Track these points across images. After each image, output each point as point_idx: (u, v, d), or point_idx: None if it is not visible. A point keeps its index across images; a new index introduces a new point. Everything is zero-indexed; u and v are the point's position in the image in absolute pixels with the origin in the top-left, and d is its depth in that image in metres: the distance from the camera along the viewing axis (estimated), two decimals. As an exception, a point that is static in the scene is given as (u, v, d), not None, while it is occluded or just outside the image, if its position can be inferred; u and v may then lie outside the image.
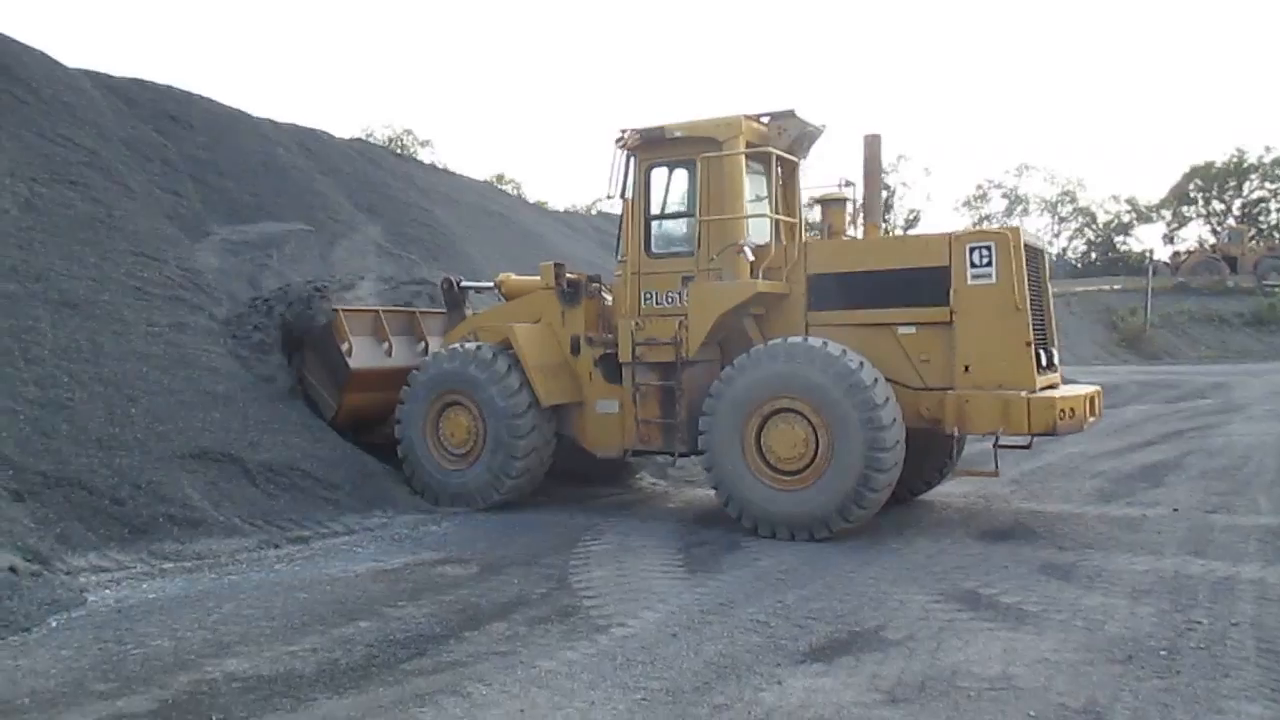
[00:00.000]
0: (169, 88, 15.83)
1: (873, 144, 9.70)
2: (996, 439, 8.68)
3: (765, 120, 9.81)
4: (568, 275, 10.51)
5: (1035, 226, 66.64)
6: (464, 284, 12.03)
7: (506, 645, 5.79)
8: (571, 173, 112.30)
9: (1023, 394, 8.33)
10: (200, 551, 7.89)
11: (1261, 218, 64.79)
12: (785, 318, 9.46)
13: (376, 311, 11.42)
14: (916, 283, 8.84)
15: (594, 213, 43.54)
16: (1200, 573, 7.22)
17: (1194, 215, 68.90)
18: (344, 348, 10.66)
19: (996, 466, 9.09)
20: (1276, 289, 44.90)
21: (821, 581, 7.21)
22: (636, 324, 9.79)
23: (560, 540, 8.85)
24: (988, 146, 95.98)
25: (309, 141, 18.29)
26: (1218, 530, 8.71)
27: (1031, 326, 8.52)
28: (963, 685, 5.04)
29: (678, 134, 9.66)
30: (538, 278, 10.88)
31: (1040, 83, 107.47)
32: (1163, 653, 5.46)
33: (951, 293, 8.65)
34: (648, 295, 9.88)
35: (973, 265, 8.59)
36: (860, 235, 10.21)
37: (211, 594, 6.89)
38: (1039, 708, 4.72)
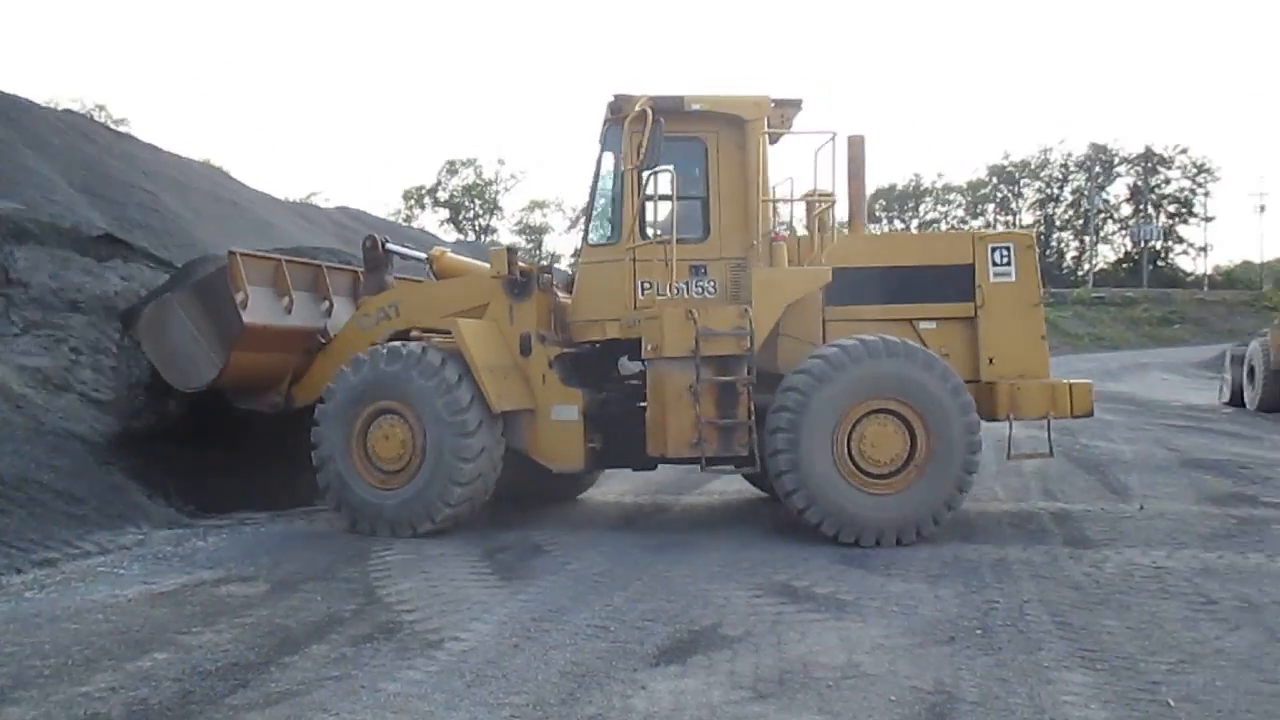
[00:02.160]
0: None
1: (856, 144, 9.58)
2: (1048, 423, 9.09)
3: (771, 105, 9.46)
4: (519, 265, 9.51)
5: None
6: (389, 246, 10.52)
7: (337, 669, 5.30)
8: (281, 161, 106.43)
9: (1064, 381, 9.17)
10: (-77, 583, 6.67)
11: (936, 236, 72.81)
12: (802, 312, 9.13)
13: (279, 261, 9.91)
14: (942, 279, 9.25)
15: (311, 202, 41.32)
16: (976, 556, 7.87)
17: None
18: (239, 298, 9.12)
19: (1051, 449, 9.27)
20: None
21: (640, 582, 7.19)
22: (693, 313, 8.74)
23: (349, 551, 8.28)
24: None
25: (10, 109, 16.03)
26: (973, 516, 9.56)
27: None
28: (818, 676, 5.16)
29: (696, 107, 9.11)
30: (476, 261, 9.81)
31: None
32: (979, 632, 5.88)
33: (977, 289, 9.15)
34: (646, 285, 9.14)
35: (994, 264, 9.22)
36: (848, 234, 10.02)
37: (-47, 633, 5.82)
38: (896, 692, 4.92)
